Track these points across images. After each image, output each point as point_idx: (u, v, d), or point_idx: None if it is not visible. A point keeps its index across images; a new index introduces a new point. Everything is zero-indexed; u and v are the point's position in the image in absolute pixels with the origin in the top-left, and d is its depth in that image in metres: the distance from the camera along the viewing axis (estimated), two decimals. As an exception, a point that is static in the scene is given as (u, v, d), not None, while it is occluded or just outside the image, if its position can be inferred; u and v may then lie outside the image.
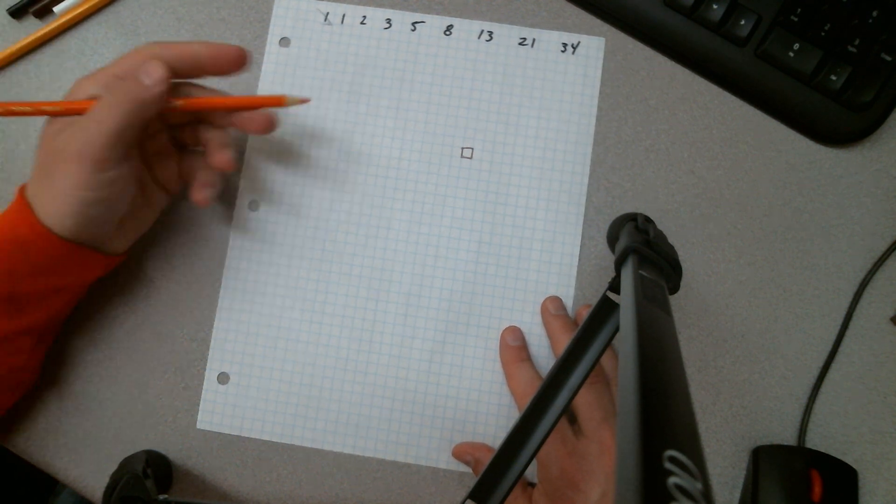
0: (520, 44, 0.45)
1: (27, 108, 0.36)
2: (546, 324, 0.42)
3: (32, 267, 0.36)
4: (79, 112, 0.35)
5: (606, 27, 0.45)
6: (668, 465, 0.16)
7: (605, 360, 0.41)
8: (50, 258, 0.36)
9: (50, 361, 0.42)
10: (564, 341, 0.40)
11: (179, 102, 0.36)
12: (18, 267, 0.35)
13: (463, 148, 0.44)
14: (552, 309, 0.42)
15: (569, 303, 0.43)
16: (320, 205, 0.44)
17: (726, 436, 0.42)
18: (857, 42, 0.41)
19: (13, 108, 0.36)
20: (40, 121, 0.45)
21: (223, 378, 0.43)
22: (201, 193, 0.39)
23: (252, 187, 0.44)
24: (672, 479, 0.16)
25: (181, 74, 0.37)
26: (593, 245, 0.43)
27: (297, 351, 0.43)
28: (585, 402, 0.38)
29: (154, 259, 0.43)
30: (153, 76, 0.35)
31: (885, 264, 0.43)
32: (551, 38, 0.45)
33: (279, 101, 0.37)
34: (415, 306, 0.43)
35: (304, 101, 0.38)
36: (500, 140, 0.44)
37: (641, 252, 0.31)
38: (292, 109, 0.44)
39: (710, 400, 0.42)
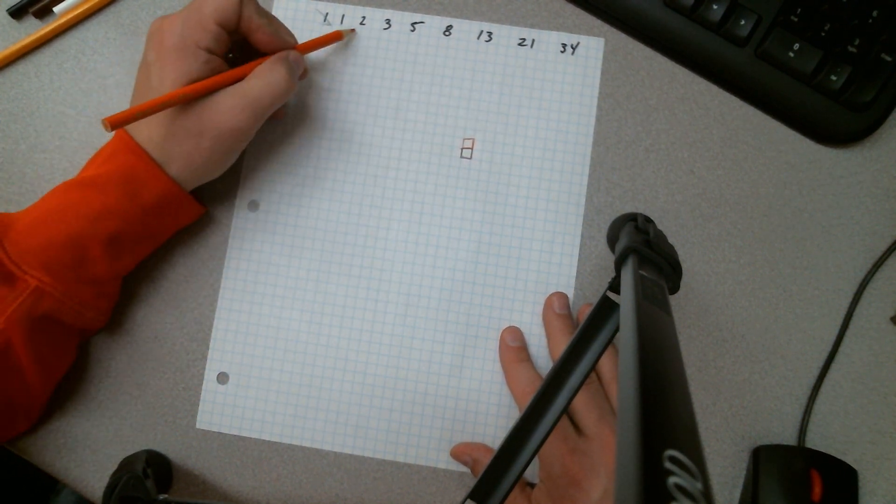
0: (519, 44, 0.45)
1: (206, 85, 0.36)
2: (546, 321, 0.42)
3: (141, 208, 0.37)
4: (240, 77, 0.37)
5: (606, 27, 0.45)
6: (668, 465, 0.16)
7: (605, 360, 0.41)
8: (158, 200, 0.37)
9: (50, 361, 0.42)
10: (562, 343, 0.40)
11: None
12: (129, 207, 0.36)
13: (462, 148, 0.44)
14: (556, 307, 0.42)
15: (569, 303, 0.43)
16: (320, 205, 0.44)
17: (726, 436, 0.42)
18: (857, 42, 0.41)
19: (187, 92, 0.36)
20: (40, 122, 0.45)
21: (223, 378, 0.43)
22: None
23: (251, 187, 0.44)
24: (672, 479, 0.16)
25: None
26: (593, 245, 0.43)
27: (296, 351, 0.43)
28: (581, 402, 0.38)
29: (154, 259, 0.43)
30: (301, 68, 0.40)
31: (885, 264, 0.43)
32: (551, 39, 0.45)
33: (338, 36, 0.44)
34: (414, 306, 0.43)
35: (352, 30, 0.45)
36: (499, 140, 0.44)
37: (641, 252, 0.31)
38: (292, 110, 0.44)
39: (710, 400, 0.42)
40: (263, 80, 0.37)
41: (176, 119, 0.36)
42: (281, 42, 0.39)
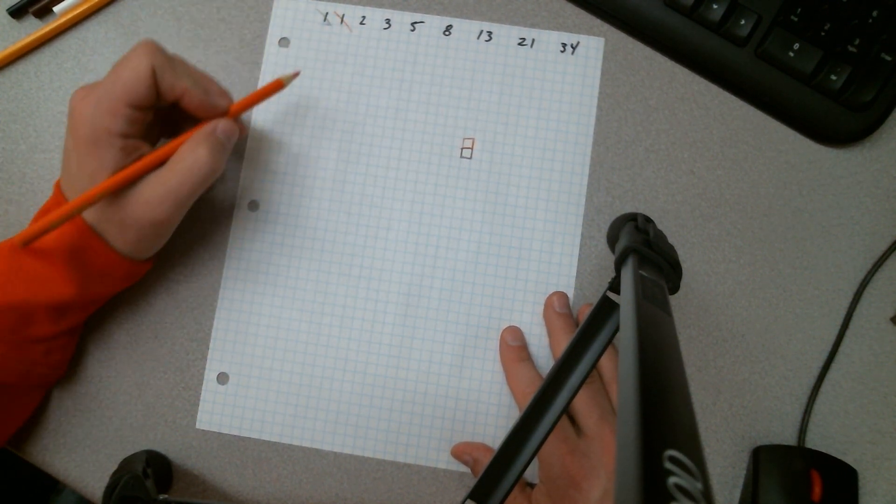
0: (519, 44, 0.45)
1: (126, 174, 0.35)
2: (547, 320, 0.42)
3: (87, 278, 0.36)
4: (169, 154, 0.36)
5: (606, 27, 0.45)
6: (668, 465, 0.16)
7: (606, 360, 0.41)
8: (105, 269, 0.37)
9: (50, 361, 0.42)
10: (564, 341, 0.40)
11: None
12: (75, 276, 0.36)
13: (462, 148, 0.44)
14: (557, 306, 0.42)
15: (569, 303, 0.43)
16: (320, 205, 0.44)
17: (726, 436, 0.42)
18: (857, 42, 0.41)
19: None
20: (40, 122, 0.45)
21: (223, 378, 0.43)
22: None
23: (251, 187, 0.44)
24: (672, 479, 0.16)
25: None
26: (593, 245, 0.43)
27: (296, 351, 0.43)
28: (582, 402, 0.38)
29: (153, 258, 0.43)
30: (233, 138, 0.37)
31: (885, 264, 0.43)
32: (551, 39, 0.45)
33: (279, 85, 0.39)
34: (414, 306, 0.43)
35: (295, 74, 0.40)
36: (499, 140, 0.44)
37: (641, 252, 0.31)
38: (292, 109, 0.44)
39: (710, 400, 0.42)
40: (183, 164, 0.35)
41: (103, 209, 0.35)
42: (212, 107, 0.36)
